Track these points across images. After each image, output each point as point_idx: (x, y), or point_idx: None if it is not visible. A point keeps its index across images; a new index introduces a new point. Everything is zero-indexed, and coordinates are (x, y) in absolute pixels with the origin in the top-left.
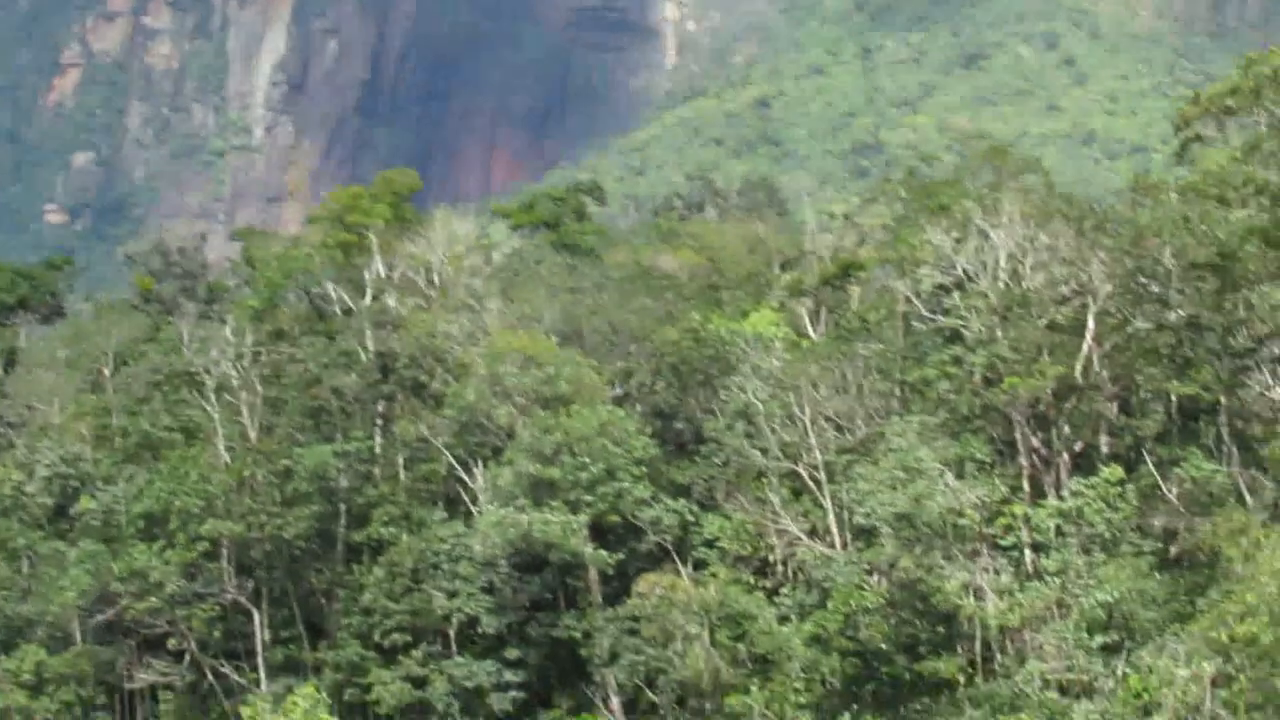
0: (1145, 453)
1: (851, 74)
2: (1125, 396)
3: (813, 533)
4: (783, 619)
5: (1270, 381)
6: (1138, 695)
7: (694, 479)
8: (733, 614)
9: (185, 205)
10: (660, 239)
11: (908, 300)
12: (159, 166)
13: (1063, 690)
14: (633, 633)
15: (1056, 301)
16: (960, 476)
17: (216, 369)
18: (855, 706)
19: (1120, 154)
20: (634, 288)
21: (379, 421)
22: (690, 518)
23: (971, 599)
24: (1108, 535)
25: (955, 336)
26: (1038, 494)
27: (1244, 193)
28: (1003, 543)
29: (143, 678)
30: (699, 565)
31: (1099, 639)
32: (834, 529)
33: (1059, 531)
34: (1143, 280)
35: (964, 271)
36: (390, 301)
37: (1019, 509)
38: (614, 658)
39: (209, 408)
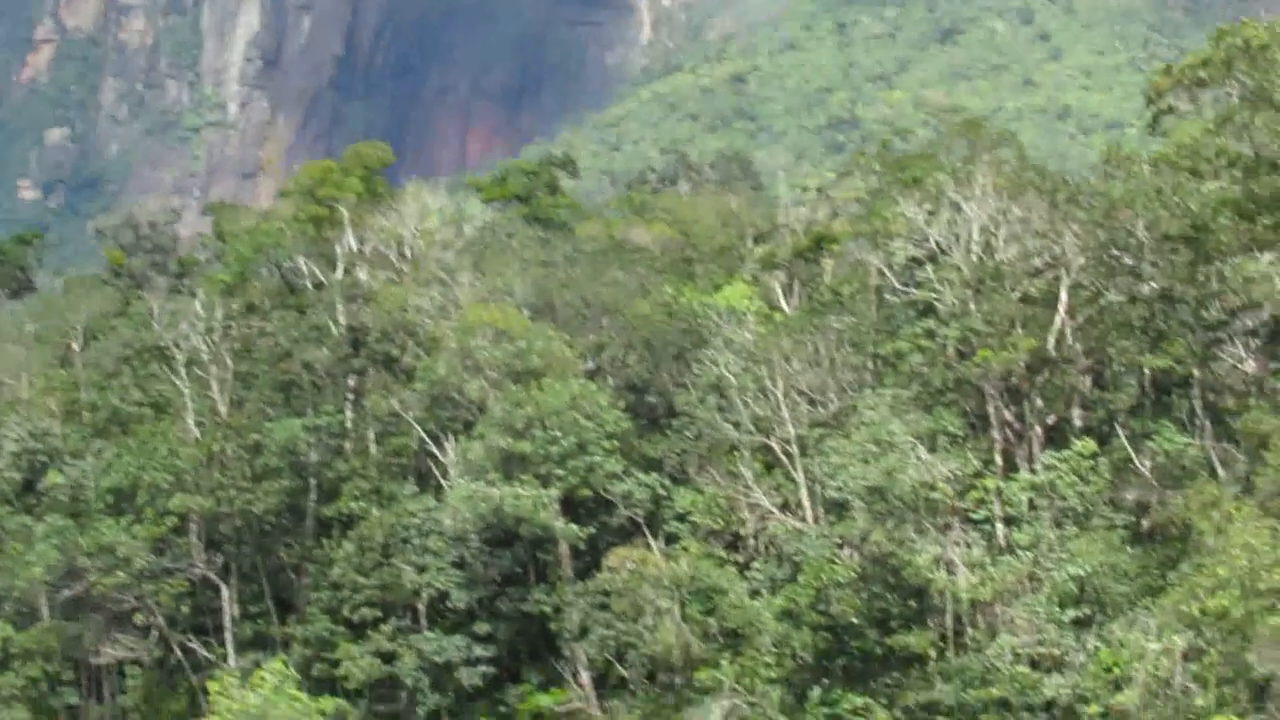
0: (1118, 426)
1: (827, 49)
2: (1098, 369)
3: (784, 506)
4: (754, 593)
5: (1243, 354)
6: (1108, 669)
7: (666, 453)
8: (704, 588)
9: (160, 181)
10: (633, 212)
11: (880, 273)
12: (133, 142)
13: (1034, 664)
14: (603, 607)
15: (1029, 274)
16: (932, 450)
17: (186, 343)
18: (826, 680)
19: (1095, 129)
20: (606, 261)
21: (350, 396)
22: (662, 492)
23: (943, 573)
24: (1080, 509)
25: (928, 309)
26: (1010, 467)
27: (1216, 164)
28: (974, 516)
29: (110, 653)
30: (670, 539)
31: (1070, 613)
32: (806, 503)
33: (1031, 505)
34: (1115, 253)
35: (937, 244)
36: (361, 275)
37: (991, 482)
38: (584, 632)
39: (179, 382)
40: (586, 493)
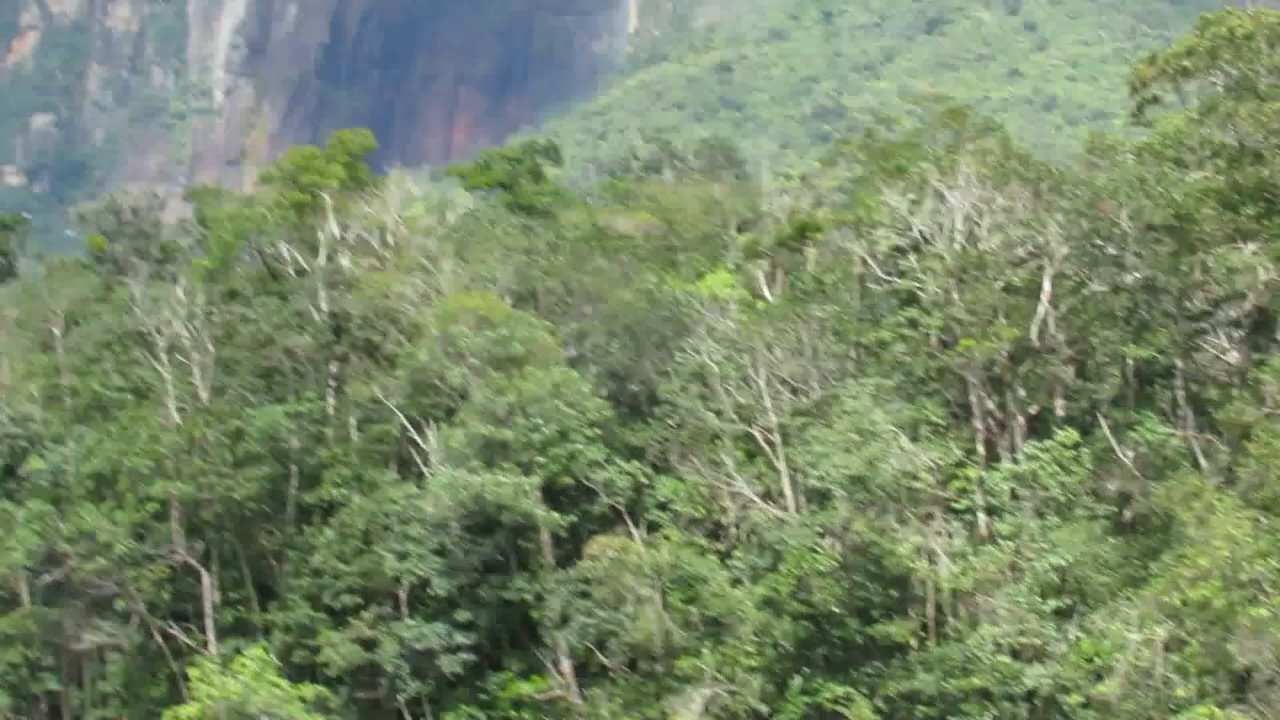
0: (1100, 416)
1: (813, 38)
2: (1081, 359)
3: (766, 495)
4: (735, 582)
5: (1226, 345)
6: (1089, 659)
7: (648, 441)
8: (685, 576)
9: (145, 168)
10: (616, 200)
11: (863, 262)
12: (118, 129)
13: (1015, 654)
14: (584, 595)
15: (1012, 263)
16: (914, 439)
17: (168, 329)
18: (807, 669)
19: (1081, 119)
20: (589, 249)
21: (331, 382)
22: (643, 480)
23: (925, 562)
24: (1062, 499)
25: (911, 298)
26: (992, 457)
27: (1201, 154)
28: (956, 506)
29: (90, 639)
30: (652, 527)
31: (1052, 603)
32: (787, 492)
33: (1013, 495)
34: (1099, 242)
35: (920, 233)
36: (344, 262)
37: (973, 472)
38: (565, 620)
39: (160, 368)
40: (568, 480)
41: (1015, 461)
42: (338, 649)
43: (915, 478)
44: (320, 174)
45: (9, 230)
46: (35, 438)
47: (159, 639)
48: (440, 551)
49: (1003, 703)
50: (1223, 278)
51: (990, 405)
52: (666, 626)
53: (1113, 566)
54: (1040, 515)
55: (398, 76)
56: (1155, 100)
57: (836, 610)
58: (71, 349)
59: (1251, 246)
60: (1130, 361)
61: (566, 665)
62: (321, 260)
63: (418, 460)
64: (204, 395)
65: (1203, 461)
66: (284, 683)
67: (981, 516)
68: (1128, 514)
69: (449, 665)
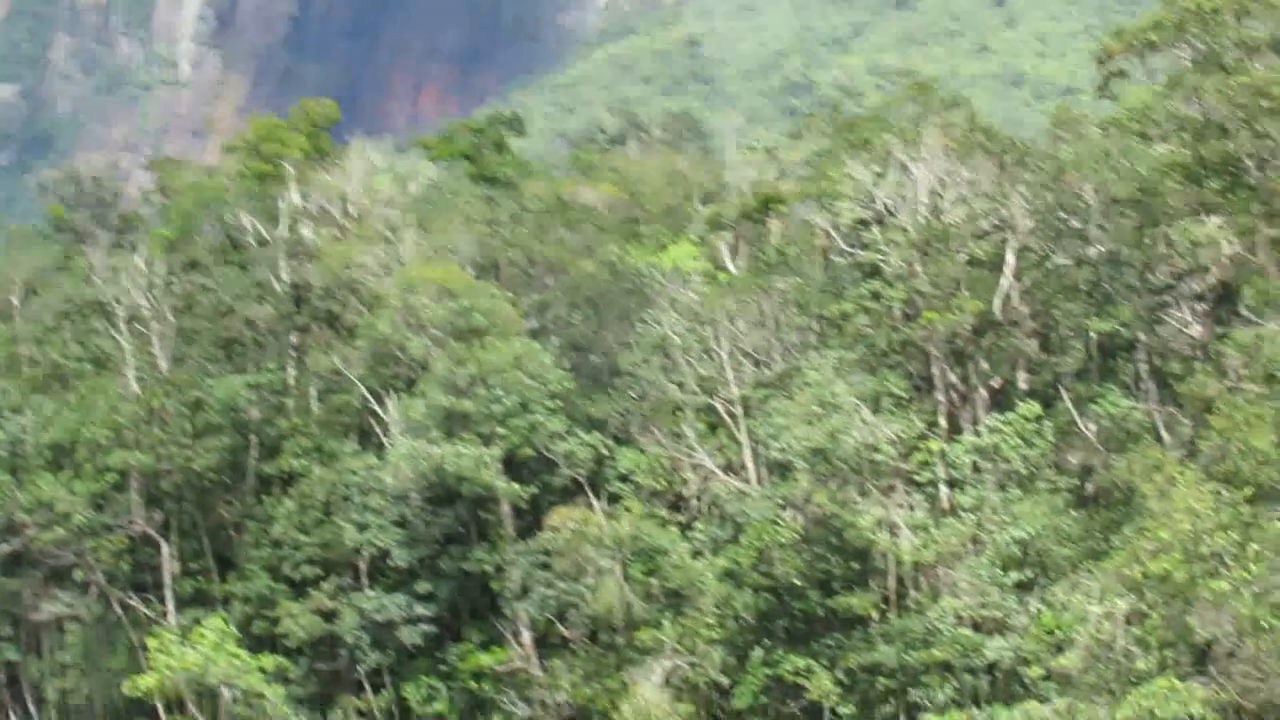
0: (1063, 389)
1: (782, 13)
2: (1044, 333)
3: (728, 467)
4: (696, 554)
5: (1189, 318)
6: (1050, 632)
7: (609, 413)
8: (646, 548)
9: (110, 139)
10: (580, 172)
11: (827, 235)
12: (84, 100)
13: (976, 626)
14: (545, 566)
15: (976, 236)
16: (876, 411)
17: (128, 299)
18: (768, 641)
19: (1049, 95)
20: (552, 220)
21: (292, 353)
22: (605, 451)
23: (886, 534)
24: (1024, 471)
25: (874, 271)
26: (954, 430)
27: (1166, 128)
28: (918, 478)
29: (49, 609)
30: (613, 499)
31: (1013, 575)
32: (749, 464)
33: (975, 467)
34: (1063, 215)
35: (884, 206)
36: (305, 232)
37: (935, 445)
38: (525, 591)
39: (119, 338)
40: (529, 452)
41: (977, 434)
42: (297, 620)
43: (877, 450)
44: (283, 144)
45: None
46: None
47: (118, 609)
48: (400, 523)
49: (963, 675)
50: (1186, 251)
51: (952, 378)
52: (627, 598)
53: (1074, 539)
54: (1002, 488)
55: (365, 49)
56: (1121, 74)
57: (797, 582)
58: (30, 318)
59: (1215, 220)
60: (1093, 335)
61: (527, 637)
62: (283, 230)
63: (378, 431)
64: (163, 365)
65: (1165, 435)
66: (243, 653)
67: (943, 489)
68: (1089, 487)
69: (409, 636)
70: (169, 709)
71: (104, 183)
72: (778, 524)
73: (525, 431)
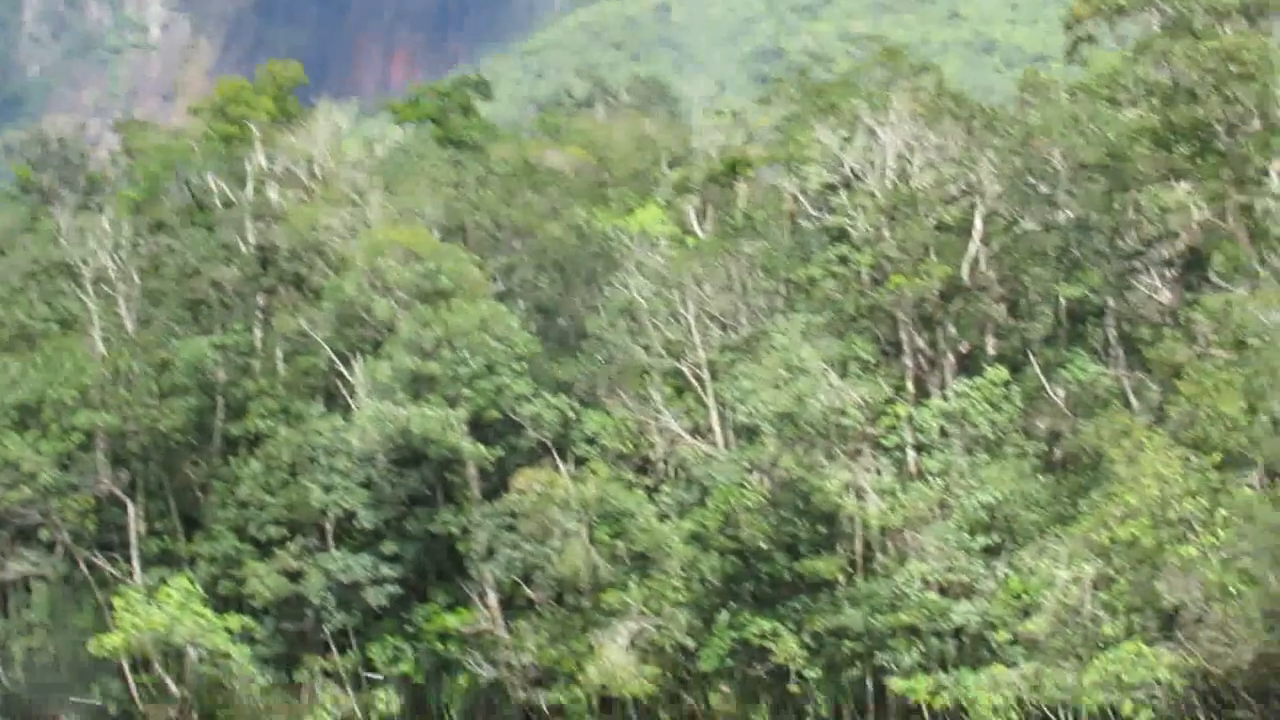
0: (1031, 354)
1: None
2: (1012, 298)
3: (694, 431)
4: (662, 517)
5: (1158, 284)
6: (1018, 596)
7: (576, 375)
8: (612, 511)
9: (80, 102)
10: (547, 135)
11: (795, 199)
12: (54, 63)
13: (943, 591)
14: (511, 528)
15: (944, 201)
16: (844, 376)
17: (94, 260)
18: (734, 604)
19: (1020, 63)
20: (518, 183)
21: (259, 314)
22: (571, 414)
23: (853, 498)
24: (991, 436)
25: (842, 235)
26: (922, 394)
27: (1135, 93)
28: (885, 442)
29: (15, 568)
30: (579, 462)
31: (980, 540)
32: (716, 427)
33: (942, 432)
34: (1031, 180)
35: (851, 170)
36: (271, 194)
37: (903, 409)
38: (491, 553)
39: (86, 299)
40: (495, 414)
41: (945, 399)
42: (263, 580)
43: (844, 414)
44: (249, 106)
45: None
46: None
47: (84, 569)
48: (366, 484)
49: (930, 639)
50: (1156, 217)
51: (920, 343)
52: (593, 560)
53: (1042, 504)
54: (970, 453)
55: (335, 12)
56: (1090, 39)
57: (764, 546)
58: None
59: (1184, 185)
60: (1062, 300)
61: (493, 598)
62: (249, 192)
63: (344, 393)
64: (130, 326)
65: (1133, 400)
66: (209, 613)
67: (910, 453)
68: (1058, 452)
69: (375, 597)
70: (135, 668)
71: (70, 144)
72: (744, 487)
73: (491, 394)
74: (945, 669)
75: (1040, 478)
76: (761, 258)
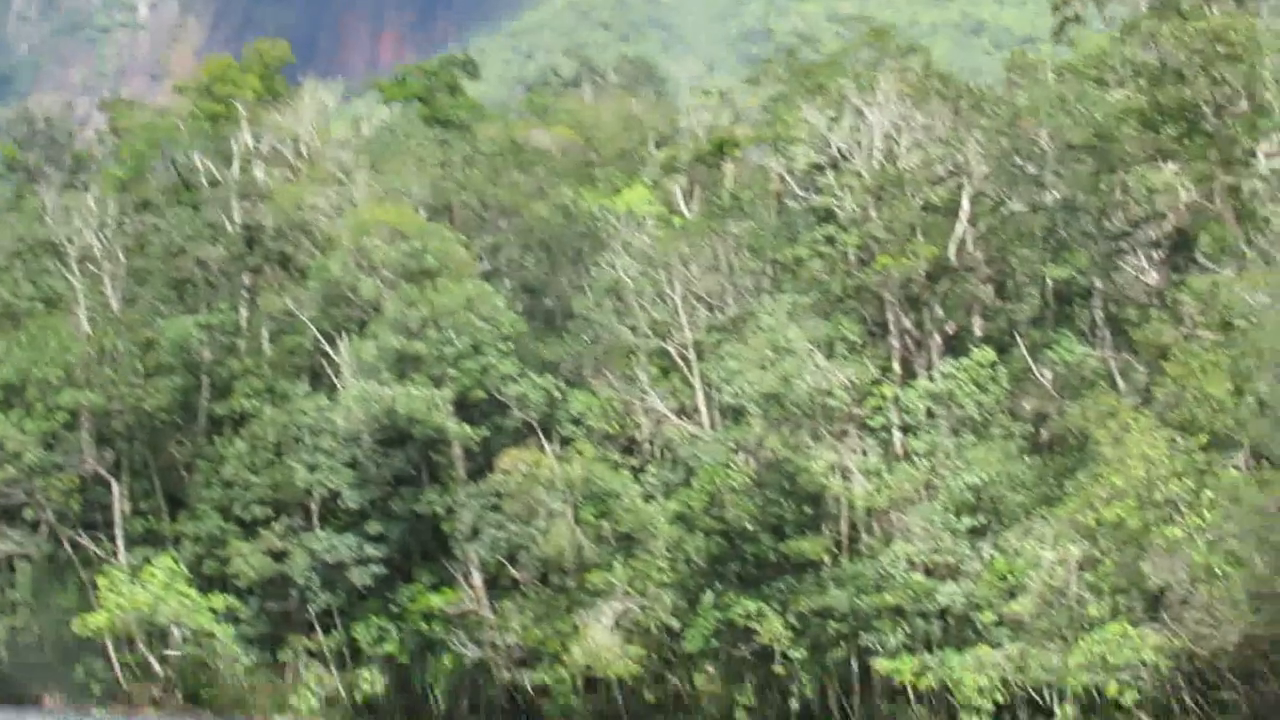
0: (1018, 335)
1: None
2: (999, 279)
3: (680, 411)
4: (648, 497)
5: (1145, 265)
6: (1003, 577)
7: (562, 355)
8: (597, 491)
9: (69, 81)
10: (534, 115)
11: (781, 179)
12: (42, 42)
13: (928, 571)
14: (496, 509)
15: (931, 182)
16: (830, 356)
17: (79, 238)
18: (719, 585)
19: (1009, 44)
20: (505, 162)
21: (244, 294)
22: (557, 394)
23: (838, 479)
24: (978, 417)
25: (828, 216)
26: (908, 375)
27: (1122, 73)
28: (871, 423)
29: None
30: (565, 442)
31: (966, 521)
32: (702, 408)
33: (929, 413)
34: (1019, 161)
35: (839, 150)
36: (258, 173)
37: (889, 390)
38: (476, 533)
39: (71, 277)
40: (480, 394)
41: (931, 380)
42: (248, 560)
43: (830, 395)
44: (236, 85)
45: None
46: None
47: (68, 548)
48: (351, 464)
49: (915, 620)
50: (1143, 198)
51: (907, 323)
52: (578, 541)
53: (1028, 485)
54: (956, 433)
55: None
56: (1077, 19)
57: (749, 526)
58: None
59: (1172, 166)
60: (1049, 281)
61: (477, 578)
62: (235, 171)
63: (330, 372)
64: (115, 305)
65: (1120, 381)
66: (193, 593)
67: (896, 434)
68: (1044, 433)
69: (359, 577)
70: (119, 648)
71: (56, 123)
72: (730, 468)
73: (477, 374)
74: (930, 650)
75: (1026, 459)
76: (748, 238)
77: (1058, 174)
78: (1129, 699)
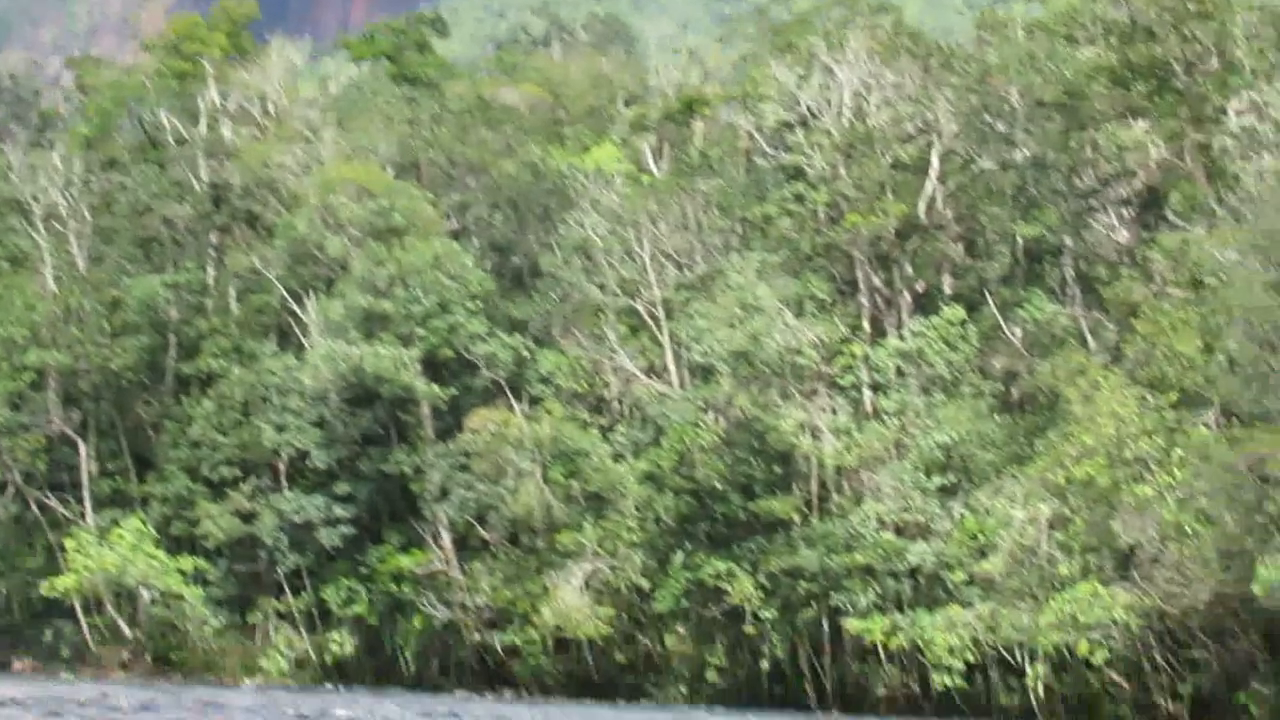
0: (988, 293)
1: None
2: (970, 237)
3: (649, 370)
4: (617, 456)
5: (1115, 223)
6: (974, 537)
7: (530, 314)
8: (566, 451)
9: (38, 40)
10: (503, 73)
11: (751, 137)
12: (13, 2)
13: (899, 531)
14: (464, 468)
15: (901, 139)
16: (799, 315)
17: (45, 197)
18: (689, 545)
19: (979, 4)
20: (473, 120)
21: (211, 252)
22: (525, 353)
23: (808, 438)
24: (948, 376)
25: (798, 173)
26: (878, 334)
27: (1093, 31)
28: (841, 382)
29: None
30: (534, 401)
31: (936, 480)
32: (671, 366)
33: (898, 371)
34: (988, 119)
35: (808, 108)
36: (225, 131)
37: (858, 348)
38: (445, 493)
39: (36, 236)
40: (449, 353)
41: (901, 338)
42: (216, 521)
43: (799, 353)
44: (203, 42)
45: None
46: None
47: (35, 509)
48: (319, 423)
49: (886, 579)
50: (1113, 155)
51: (876, 281)
52: (547, 501)
53: (998, 444)
54: (926, 392)
55: None
56: None
57: (719, 486)
58: None
59: (1142, 124)
60: (1019, 239)
61: (446, 539)
62: (202, 130)
63: (297, 332)
64: (81, 264)
65: (1090, 340)
66: (162, 554)
67: (866, 393)
68: (1014, 392)
69: (328, 538)
70: (87, 610)
71: (22, 80)
72: (699, 427)
73: (445, 333)
74: (901, 609)
75: (996, 417)
76: (717, 196)
77: (1028, 132)
78: (1100, 658)
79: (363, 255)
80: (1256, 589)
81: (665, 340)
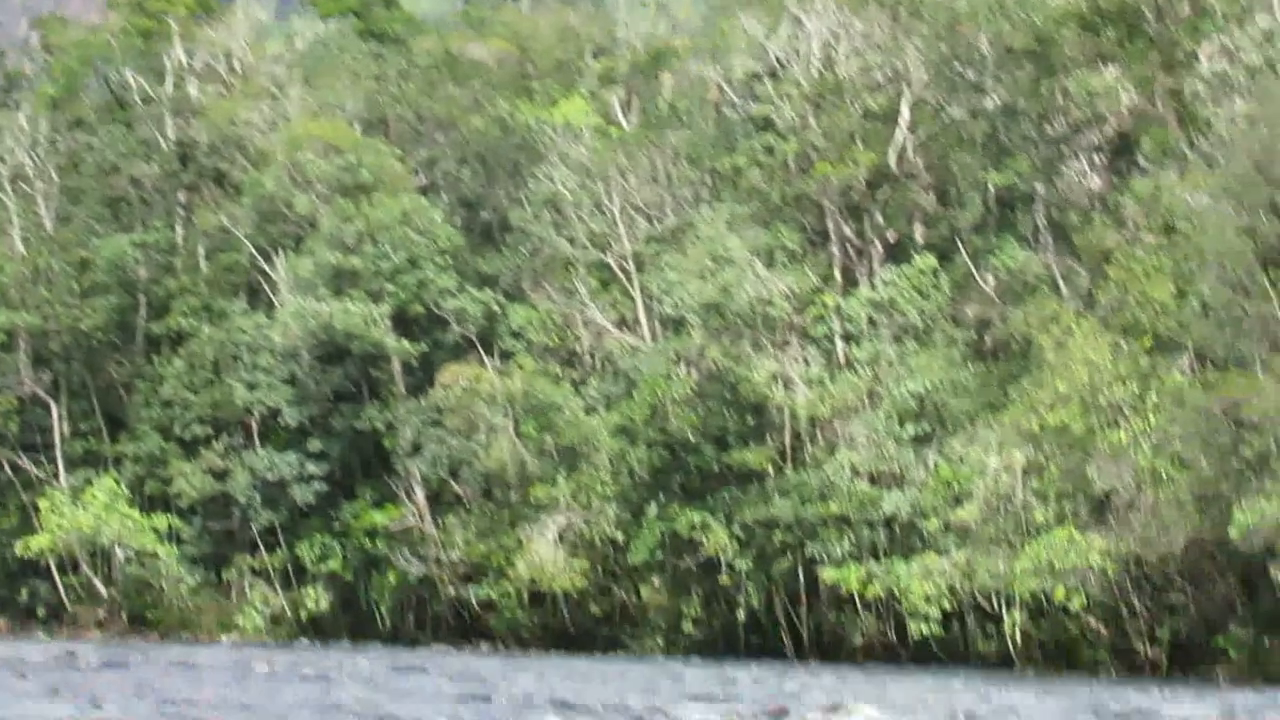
0: (960, 242)
1: None
2: (941, 186)
3: (621, 323)
4: (589, 410)
5: (1087, 169)
6: (948, 485)
7: (500, 269)
8: (538, 405)
9: (9, 3)
10: (471, 27)
11: (719, 88)
12: None
13: (873, 480)
14: (437, 424)
15: (870, 89)
16: (770, 266)
17: (11, 158)
18: (663, 497)
19: None
20: (441, 76)
21: (180, 211)
22: (496, 308)
23: (781, 389)
24: (920, 325)
25: (767, 124)
26: (850, 284)
27: None
28: (813, 332)
29: None
30: (505, 356)
31: (910, 429)
32: (642, 319)
33: (871, 321)
34: (958, 67)
35: (776, 59)
36: (191, 90)
37: (830, 298)
38: (417, 449)
39: (4, 197)
40: (419, 309)
41: (873, 288)
42: (189, 480)
43: (771, 304)
44: (168, 0)
45: None
46: None
47: (8, 471)
48: (291, 381)
49: (861, 528)
50: (1084, 102)
51: (847, 231)
52: (520, 455)
53: (971, 392)
54: (898, 341)
55: None
56: None
57: (692, 438)
58: None
59: (1113, 70)
60: (990, 187)
61: (420, 494)
62: (168, 88)
63: (267, 289)
64: (49, 225)
65: (1063, 286)
66: (135, 513)
67: (839, 343)
68: (987, 339)
69: (301, 495)
70: (62, 569)
71: None
72: (671, 379)
73: (415, 288)
74: (876, 558)
75: (970, 365)
76: (686, 148)
77: (998, 79)
78: (1077, 603)
79: (331, 212)
80: (1233, 533)
81: (636, 293)
